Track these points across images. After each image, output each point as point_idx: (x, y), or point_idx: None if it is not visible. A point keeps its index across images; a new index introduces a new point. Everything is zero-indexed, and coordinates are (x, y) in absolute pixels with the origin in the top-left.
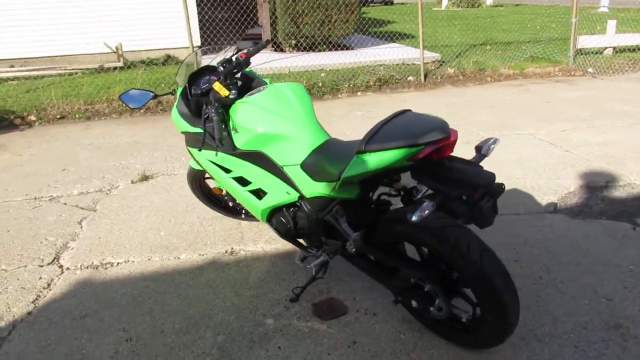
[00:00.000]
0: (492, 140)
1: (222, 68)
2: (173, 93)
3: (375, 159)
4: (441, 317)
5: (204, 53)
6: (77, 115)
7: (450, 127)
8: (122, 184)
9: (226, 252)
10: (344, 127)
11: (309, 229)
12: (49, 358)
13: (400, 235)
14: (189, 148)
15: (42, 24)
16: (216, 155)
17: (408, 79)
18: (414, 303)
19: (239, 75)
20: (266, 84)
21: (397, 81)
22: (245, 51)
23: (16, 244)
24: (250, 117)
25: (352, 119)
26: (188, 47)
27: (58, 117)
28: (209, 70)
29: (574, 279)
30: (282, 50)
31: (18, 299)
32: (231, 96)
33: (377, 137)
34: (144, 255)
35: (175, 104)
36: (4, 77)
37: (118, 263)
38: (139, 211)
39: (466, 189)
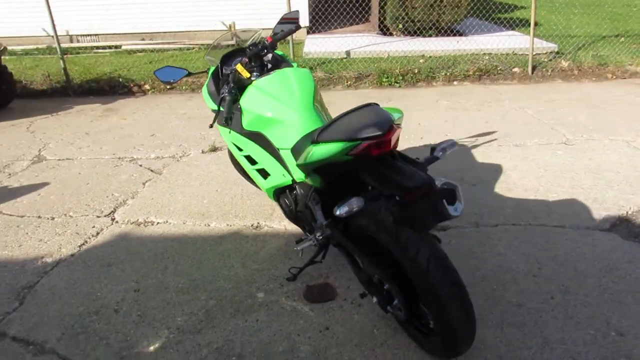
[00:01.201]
0: (449, 143)
1: (248, 51)
2: (207, 72)
3: (321, 150)
4: (401, 318)
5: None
6: (184, 87)
7: (393, 125)
8: (193, 152)
9: (252, 225)
10: (421, 117)
11: (302, 212)
12: (71, 294)
13: (361, 229)
14: (218, 126)
15: (169, 1)
16: (229, 133)
17: (513, 70)
18: (374, 299)
19: (269, 57)
20: (292, 64)
21: (499, 72)
22: (271, 35)
23: (88, 195)
24: (251, 99)
25: (434, 109)
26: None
27: (168, 87)
28: (241, 52)
29: (590, 305)
30: (389, 34)
31: (69, 242)
32: (253, 78)
33: (328, 129)
34: (180, 219)
35: (206, 82)
36: (133, 49)
37: (157, 222)
38: (195, 178)
39: (398, 190)
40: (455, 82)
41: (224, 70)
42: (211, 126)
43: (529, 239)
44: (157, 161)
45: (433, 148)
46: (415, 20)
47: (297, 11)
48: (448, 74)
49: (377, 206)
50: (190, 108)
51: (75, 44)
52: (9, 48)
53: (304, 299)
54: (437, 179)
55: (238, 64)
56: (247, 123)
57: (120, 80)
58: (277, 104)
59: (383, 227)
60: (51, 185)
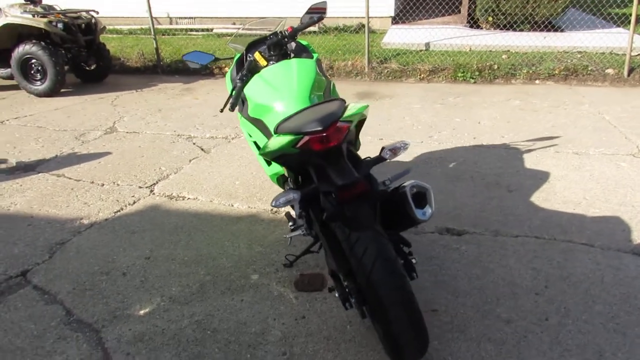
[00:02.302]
0: (401, 144)
1: (268, 40)
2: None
3: (274, 142)
4: (360, 316)
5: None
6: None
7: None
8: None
9: (271, 210)
10: (483, 116)
11: None
12: (92, 255)
13: (322, 221)
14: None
15: None
16: (241, 119)
17: (605, 71)
18: (336, 294)
19: (293, 47)
20: (312, 55)
21: (589, 73)
22: (292, 25)
23: (140, 167)
24: (253, 87)
25: (501, 108)
26: (385, 17)
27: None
28: (264, 40)
29: (587, 333)
30: (478, 27)
31: (108, 208)
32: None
33: (285, 122)
34: (209, 197)
35: (230, 69)
36: (223, 32)
37: (187, 198)
38: (236, 160)
39: (331, 186)
40: (537, 81)
41: (247, 57)
42: (221, 111)
43: (547, 254)
44: (210, 140)
45: (382, 148)
46: (507, 13)
47: (325, 2)
48: (530, 71)
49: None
50: None
51: (173, 26)
52: (117, 27)
53: (293, 286)
54: (409, 181)
55: (257, 52)
56: (250, 110)
57: None
58: (274, 93)
59: (339, 221)
60: (112, 155)
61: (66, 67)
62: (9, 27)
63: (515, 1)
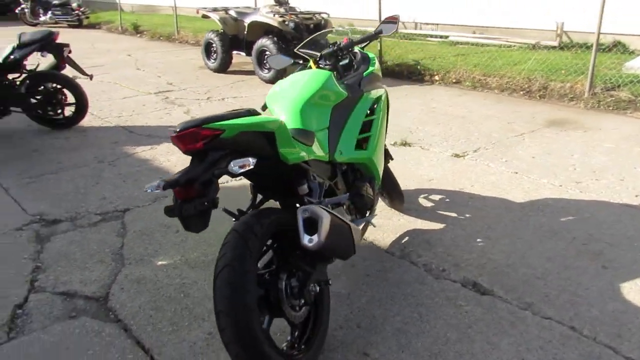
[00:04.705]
0: (251, 160)
1: (327, 48)
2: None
3: None
4: None
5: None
6: (467, 83)
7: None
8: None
9: None
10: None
11: None
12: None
13: None
14: None
15: None
16: None
17: None
18: None
19: (358, 57)
20: (367, 68)
21: None
22: (349, 37)
23: None
24: (270, 92)
25: None
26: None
27: (454, 81)
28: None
29: None
30: None
31: None
32: None
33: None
34: None
35: None
36: (457, 41)
37: None
38: None
39: (172, 184)
40: None
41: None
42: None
43: (566, 355)
44: None
45: (230, 160)
46: None
47: (398, 15)
48: None
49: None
50: (438, 102)
51: (415, 31)
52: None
53: None
54: (310, 205)
55: (313, 59)
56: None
57: (419, 67)
58: (277, 99)
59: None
60: None
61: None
62: (256, 24)
63: None
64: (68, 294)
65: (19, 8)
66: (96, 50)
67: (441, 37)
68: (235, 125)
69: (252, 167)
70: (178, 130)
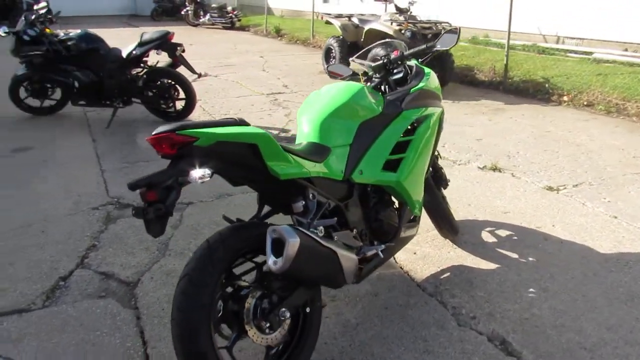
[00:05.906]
0: (206, 174)
1: (378, 60)
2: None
3: None
4: None
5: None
6: (600, 107)
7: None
8: (472, 164)
9: None
10: None
11: None
12: (200, 225)
13: None
14: None
15: None
16: None
17: None
18: None
19: (413, 69)
20: (417, 84)
21: None
22: (401, 50)
23: None
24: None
25: None
26: None
27: (585, 103)
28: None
29: None
30: None
31: None
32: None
33: None
34: None
35: None
36: (602, 58)
37: None
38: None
39: (133, 186)
40: None
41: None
42: None
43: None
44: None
45: (188, 171)
46: None
47: (458, 28)
48: None
49: None
50: (568, 128)
51: (555, 45)
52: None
53: None
54: (283, 225)
55: (364, 71)
56: None
57: (547, 85)
58: (304, 111)
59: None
60: None
61: None
62: (373, 31)
63: None
64: (107, 275)
65: (184, 10)
66: (236, 51)
67: (584, 53)
68: (210, 134)
69: (208, 178)
70: (154, 133)
